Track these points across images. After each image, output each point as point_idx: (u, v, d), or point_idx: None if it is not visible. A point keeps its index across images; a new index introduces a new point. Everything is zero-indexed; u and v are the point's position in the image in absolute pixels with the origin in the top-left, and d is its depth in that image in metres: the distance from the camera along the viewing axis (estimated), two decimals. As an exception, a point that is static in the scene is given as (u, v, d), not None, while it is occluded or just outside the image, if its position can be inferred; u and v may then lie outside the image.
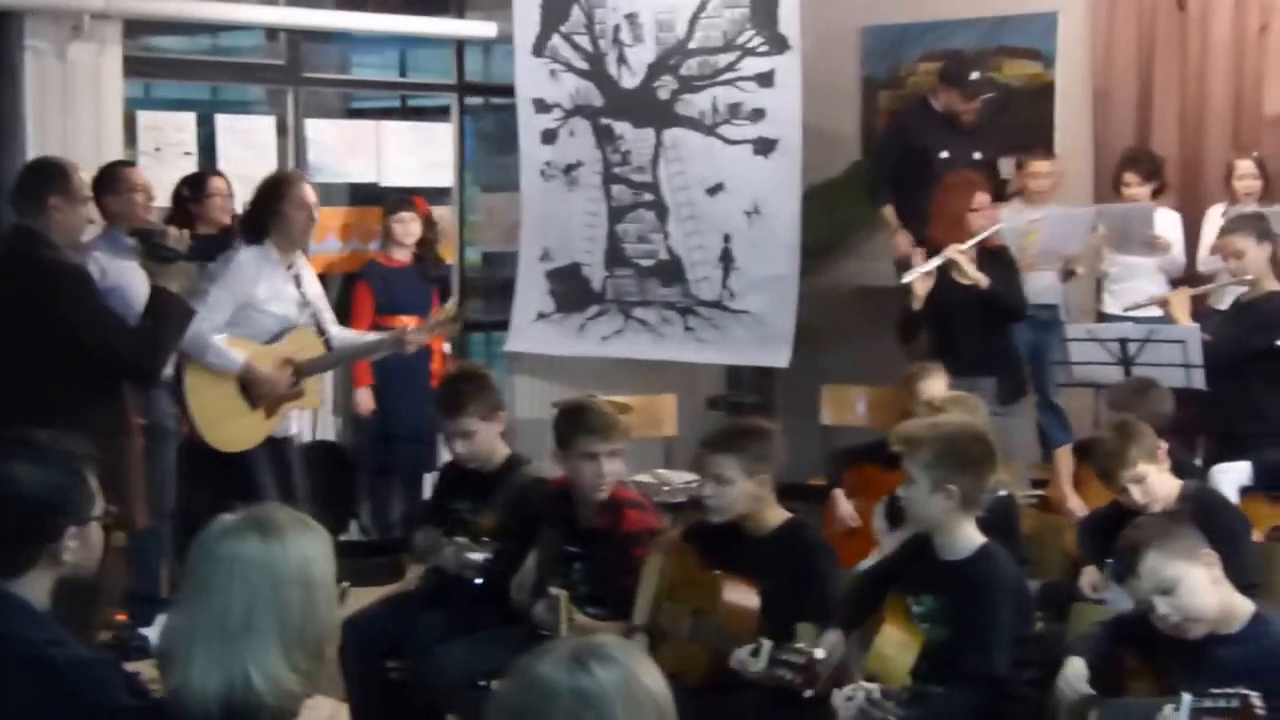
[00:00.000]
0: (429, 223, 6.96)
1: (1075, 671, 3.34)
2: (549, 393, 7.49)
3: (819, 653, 3.38)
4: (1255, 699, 2.92)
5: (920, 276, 5.96)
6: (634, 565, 4.04)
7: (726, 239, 6.97)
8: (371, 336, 5.85)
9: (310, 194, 5.43)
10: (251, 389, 5.28)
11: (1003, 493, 4.48)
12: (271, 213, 5.33)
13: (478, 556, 4.29)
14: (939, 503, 3.48)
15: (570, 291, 7.31)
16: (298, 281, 5.43)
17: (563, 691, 1.76)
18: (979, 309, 5.99)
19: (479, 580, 4.30)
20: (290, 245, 5.39)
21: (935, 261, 5.97)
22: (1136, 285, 6.67)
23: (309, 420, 6.41)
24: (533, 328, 7.37)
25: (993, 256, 6.12)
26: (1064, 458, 5.61)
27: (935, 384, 5.36)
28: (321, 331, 5.53)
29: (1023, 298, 6.18)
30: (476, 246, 7.93)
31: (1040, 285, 6.65)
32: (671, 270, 7.12)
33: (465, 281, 7.65)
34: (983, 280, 5.96)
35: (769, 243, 6.89)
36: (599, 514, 4.23)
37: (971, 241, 6.00)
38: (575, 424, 4.24)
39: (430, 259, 6.97)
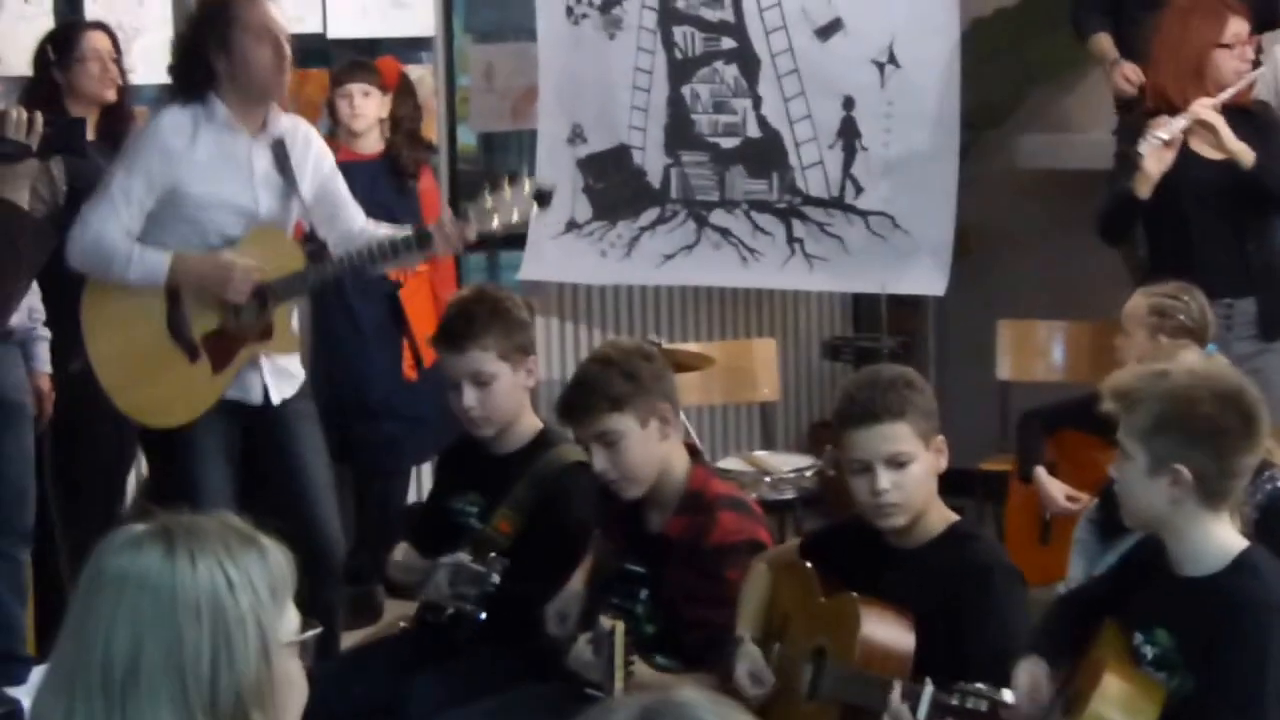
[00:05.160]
0: (403, 92, 6.93)
1: None
2: (585, 342, 7.59)
3: (1007, 694, 3.42)
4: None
5: (1158, 147, 5.94)
6: (725, 595, 4.07)
7: (848, 104, 6.97)
8: (388, 231, 5.45)
9: (276, 15, 5.23)
10: (187, 323, 5.12)
11: (1281, 482, 4.46)
12: (214, 48, 5.16)
13: (478, 577, 4.36)
14: (1163, 492, 3.47)
15: (615, 189, 7.33)
16: (279, 157, 5.26)
17: None
18: (1231, 197, 6.00)
19: (481, 615, 4.37)
20: (248, 97, 5.20)
21: (1180, 123, 5.96)
22: None
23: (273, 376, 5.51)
24: (559, 244, 7.39)
25: (1247, 119, 6.09)
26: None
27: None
28: (310, 237, 5.39)
29: None
30: (470, 124, 7.91)
31: None
32: (766, 153, 7.11)
33: (456, 177, 7.63)
34: (1246, 154, 5.97)
35: (913, 108, 6.88)
36: (676, 514, 4.26)
37: (1225, 94, 6.00)
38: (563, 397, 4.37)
39: (405, 146, 6.86)
